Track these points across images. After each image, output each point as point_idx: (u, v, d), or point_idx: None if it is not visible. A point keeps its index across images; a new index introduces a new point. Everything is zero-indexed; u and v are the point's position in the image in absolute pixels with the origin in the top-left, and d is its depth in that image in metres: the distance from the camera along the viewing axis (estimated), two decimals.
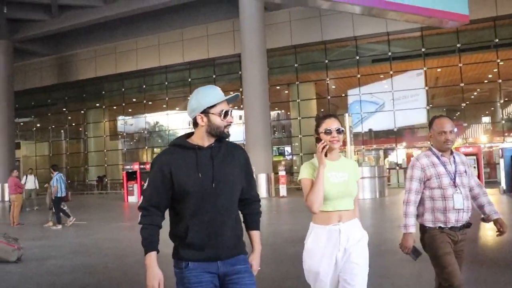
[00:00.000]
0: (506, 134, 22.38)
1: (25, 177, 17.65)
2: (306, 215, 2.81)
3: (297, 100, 24.66)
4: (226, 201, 2.26)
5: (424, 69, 22.24)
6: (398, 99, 22.66)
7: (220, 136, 2.28)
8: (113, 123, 30.64)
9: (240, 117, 22.25)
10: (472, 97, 23.46)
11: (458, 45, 21.45)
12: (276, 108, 26.82)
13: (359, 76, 23.30)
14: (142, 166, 20.85)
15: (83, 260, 7.04)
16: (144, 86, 28.33)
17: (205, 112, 2.24)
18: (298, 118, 24.68)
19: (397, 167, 22.85)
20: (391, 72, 22.73)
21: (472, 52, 21.85)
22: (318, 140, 2.71)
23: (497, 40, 20.92)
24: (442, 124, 3.12)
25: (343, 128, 2.73)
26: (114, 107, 30.31)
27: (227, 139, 2.35)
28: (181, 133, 26.37)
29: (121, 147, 30.55)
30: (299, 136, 24.76)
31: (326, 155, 2.66)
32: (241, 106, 20.63)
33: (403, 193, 3.28)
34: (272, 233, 8.79)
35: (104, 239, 9.37)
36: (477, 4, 17.97)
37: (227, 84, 25.06)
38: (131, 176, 20.78)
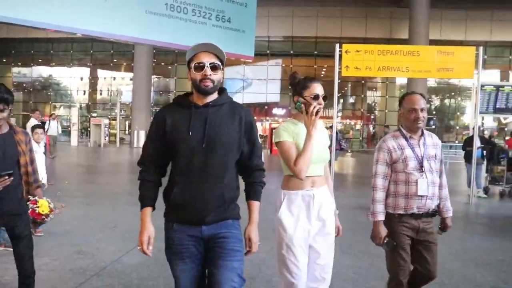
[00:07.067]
0: None
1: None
2: None
3: (175, 78, 31.86)
4: (217, 163, 2.13)
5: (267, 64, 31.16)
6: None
7: (198, 90, 2.16)
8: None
9: (131, 79, 28.57)
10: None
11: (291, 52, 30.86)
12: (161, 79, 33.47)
13: None
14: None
15: None
16: (51, 52, 32.61)
17: (189, 67, 2.18)
18: (174, 91, 31.72)
19: None
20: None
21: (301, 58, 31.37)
22: (300, 101, 2.56)
23: (316, 52, 30.62)
24: (413, 101, 2.86)
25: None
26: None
27: (231, 98, 2.24)
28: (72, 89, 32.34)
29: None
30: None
31: None
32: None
33: None
34: None
35: None
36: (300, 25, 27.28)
37: (122, 58, 31.43)
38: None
